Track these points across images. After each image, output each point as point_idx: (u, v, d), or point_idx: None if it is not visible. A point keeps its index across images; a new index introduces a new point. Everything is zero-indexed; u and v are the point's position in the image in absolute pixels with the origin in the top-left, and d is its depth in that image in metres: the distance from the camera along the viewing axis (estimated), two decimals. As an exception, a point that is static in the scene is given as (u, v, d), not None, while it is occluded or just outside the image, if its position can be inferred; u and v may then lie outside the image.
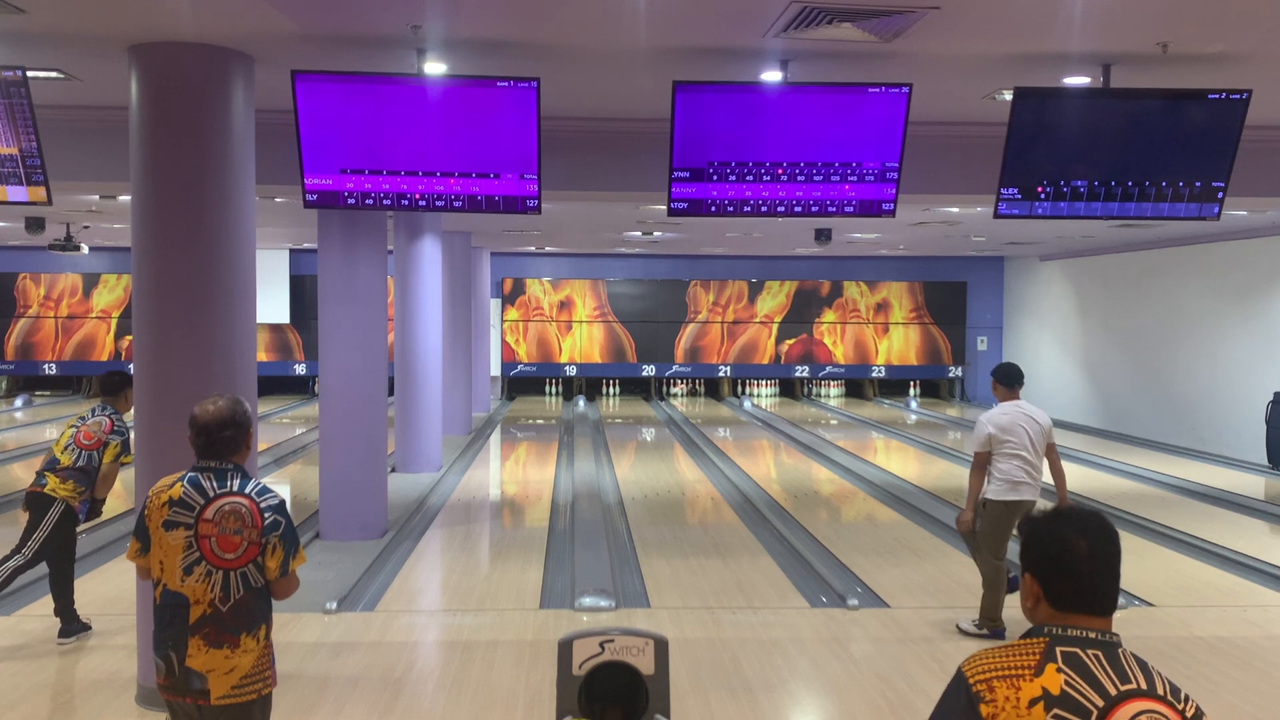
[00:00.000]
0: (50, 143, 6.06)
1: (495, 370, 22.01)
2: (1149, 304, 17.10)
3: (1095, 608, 2.08)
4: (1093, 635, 2.05)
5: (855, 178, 6.03)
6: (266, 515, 3.38)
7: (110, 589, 7.27)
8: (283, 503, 3.48)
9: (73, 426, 6.32)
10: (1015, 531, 6.44)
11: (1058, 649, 2.02)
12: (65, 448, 6.23)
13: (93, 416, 6.34)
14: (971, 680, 2.04)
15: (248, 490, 3.41)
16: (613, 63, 5.79)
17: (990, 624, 6.49)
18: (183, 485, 3.40)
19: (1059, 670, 1.99)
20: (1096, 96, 5.88)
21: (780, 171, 5.99)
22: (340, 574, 7.92)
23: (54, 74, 5.99)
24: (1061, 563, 2.09)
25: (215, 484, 3.39)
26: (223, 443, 3.42)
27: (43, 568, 6.30)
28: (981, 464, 6.56)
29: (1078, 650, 2.02)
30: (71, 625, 6.25)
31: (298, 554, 3.45)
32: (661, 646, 3.87)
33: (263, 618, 3.42)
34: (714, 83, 5.73)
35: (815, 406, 22.06)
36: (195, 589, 3.33)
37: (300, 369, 21.99)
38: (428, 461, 12.52)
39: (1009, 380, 6.72)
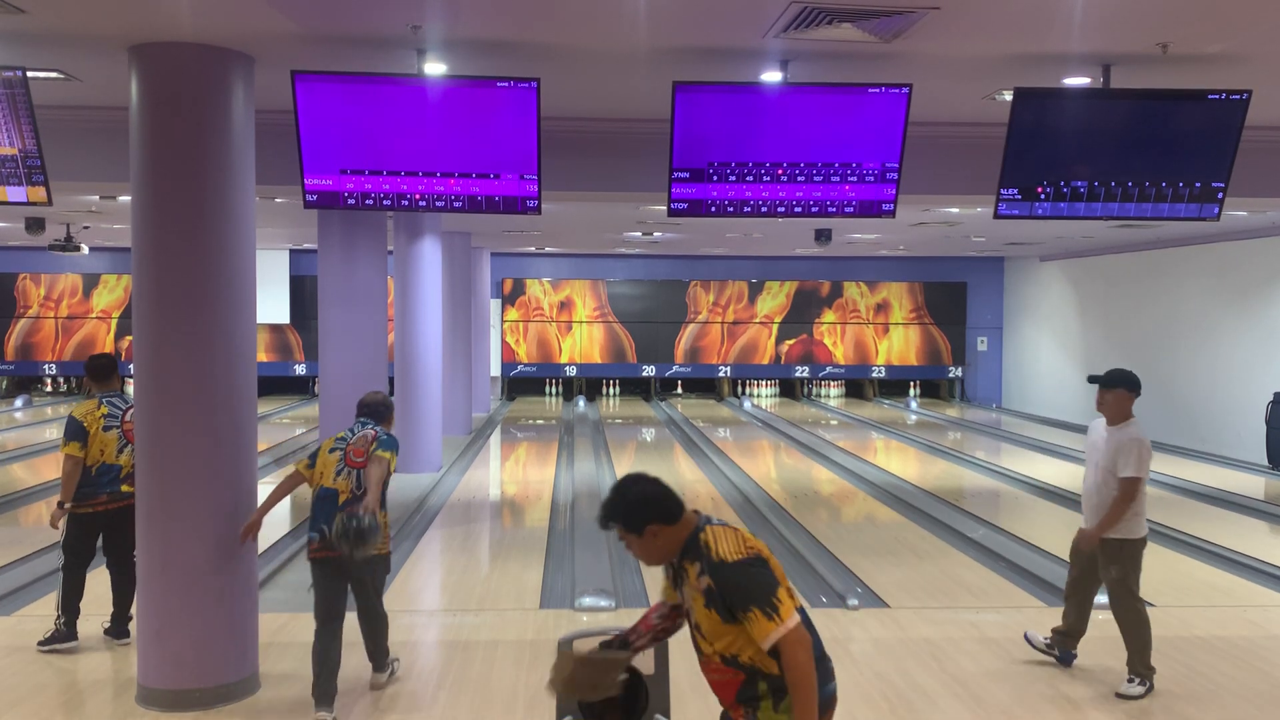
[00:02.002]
0: (50, 143, 6.06)
1: (495, 370, 22.01)
2: (1149, 304, 17.10)
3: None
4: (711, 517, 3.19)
5: (855, 178, 6.03)
6: (380, 435, 5.41)
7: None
8: (393, 438, 5.46)
9: (106, 428, 6.07)
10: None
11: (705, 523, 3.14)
12: (120, 451, 6.09)
13: (124, 410, 6.14)
14: (756, 550, 3.04)
15: (374, 427, 5.48)
16: (613, 63, 5.79)
17: (1148, 672, 5.63)
18: (347, 431, 5.46)
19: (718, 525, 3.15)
20: (1096, 96, 5.88)
21: (780, 172, 5.99)
22: (340, 574, 7.92)
23: (54, 74, 5.98)
24: (667, 498, 3.16)
25: (361, 427, 5.46)
26: (376, 415, 5.55)
27: (51, 564, 6.27)
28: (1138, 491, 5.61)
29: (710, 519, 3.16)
30: (72, 630, 6.15)
31: (388, 449, 5.34)
32: (662, 646, 3.87)
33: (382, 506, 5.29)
34: (714, 83, 5.73)
35: (815, 407, 22.06)
36: (341, 484, 5.26)
37: (300, 369, 21.99)
38: (428, 462, 12.52)
39: (1140, 389, 5.78)
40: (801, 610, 3.06)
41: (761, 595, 2.96)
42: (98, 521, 6.14)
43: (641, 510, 3.12)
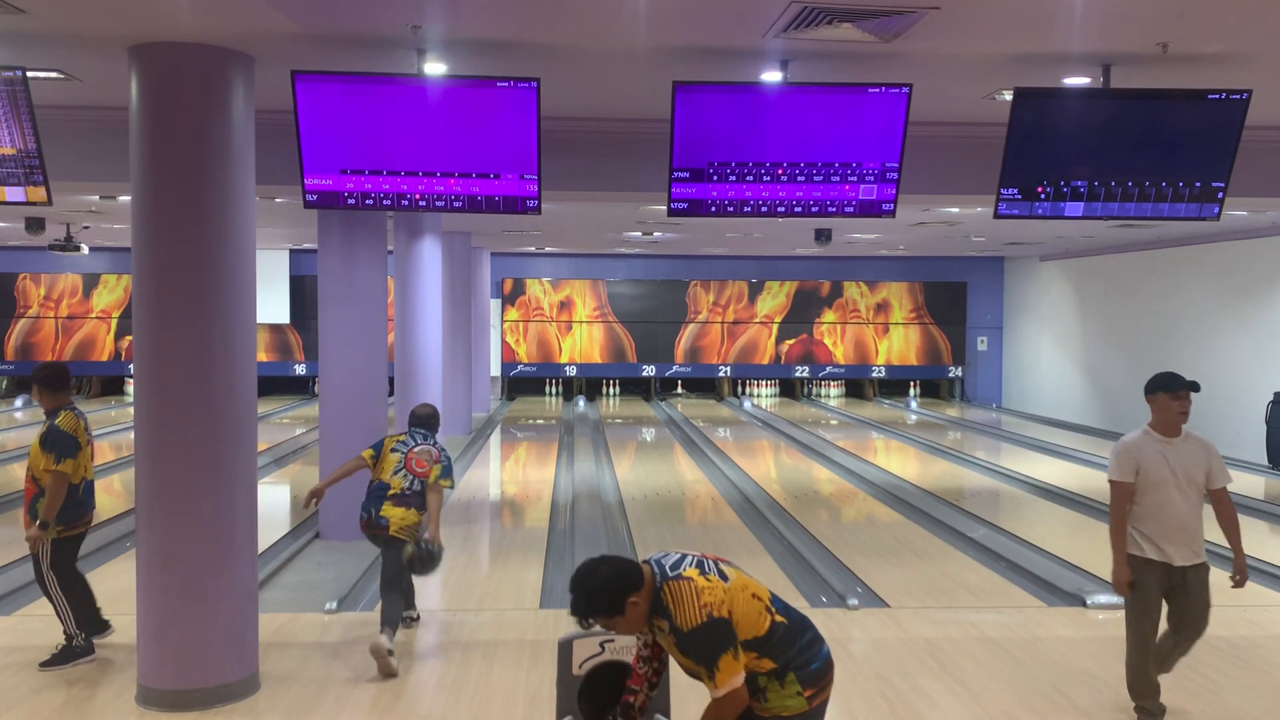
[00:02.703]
0: (50, 143, 6.05)
1: (495, 370, 22.01)
2: (1149, 304, 17.10)
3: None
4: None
5: (855, 178, 6.03)
6: (442, 458, 6.24)
7: (111, 587, 7.24)
8: (451, 463, 6.29)
9: (89, 442, 5.94)
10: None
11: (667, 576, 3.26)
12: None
13: (83, 423, 5.97)
14: (709, 609, 3.15)
15: (434, 444, 6.32)
16: (613, 63, 5.79)
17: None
18: (405, 435, 6.36)
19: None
20: (1096, 96, 5.88)
21: (780, 172, 5.99)
22: (340, 574, 7.93)
23: (54, 74, 5.98)
24: (628, 567, 3.27)
25: (420, 439, 6.32)
26: (426, 424, 6.44)
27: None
28: None
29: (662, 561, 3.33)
30: (89, 643, 5.99)
31: (448, 477, 6.23)
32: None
33: (424, 505, 6.12)
34: (714, 83, 5.73)
35: (815, 406, 22.06)
36: (395, 482, 6.12)
37: (300, 369, 21.99)
38: (428, 461, 12.50)
39: None
40: (785, 607, 3.37)
41: (710, 660, 3.15)
42: (80, 540, 6.01)
43: (616, 590, 3.21)
